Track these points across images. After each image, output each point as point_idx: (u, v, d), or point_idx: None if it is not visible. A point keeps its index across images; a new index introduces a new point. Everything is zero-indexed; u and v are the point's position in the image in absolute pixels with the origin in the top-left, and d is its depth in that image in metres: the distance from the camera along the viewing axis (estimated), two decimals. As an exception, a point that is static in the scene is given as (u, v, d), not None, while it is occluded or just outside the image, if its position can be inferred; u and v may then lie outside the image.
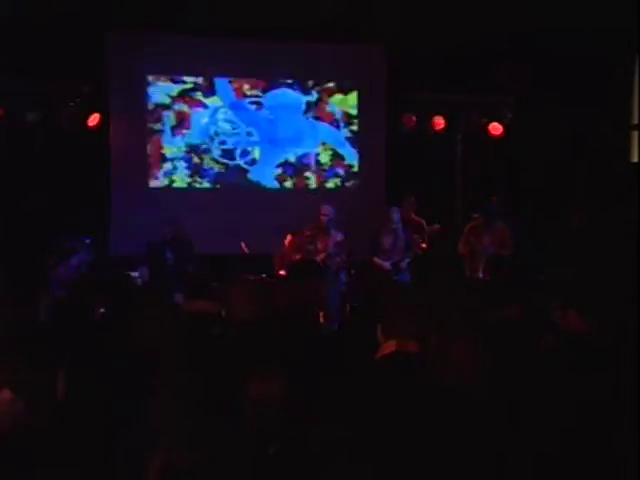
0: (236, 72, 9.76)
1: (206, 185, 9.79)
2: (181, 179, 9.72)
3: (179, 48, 9.44)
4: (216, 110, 9.75)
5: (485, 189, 9.29)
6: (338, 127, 10.10)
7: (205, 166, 9.77)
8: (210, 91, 9.73)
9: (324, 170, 10.09)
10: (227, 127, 9.80)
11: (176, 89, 9.62)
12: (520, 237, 8.35)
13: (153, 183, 9.66)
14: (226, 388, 2.77)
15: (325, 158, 10.09)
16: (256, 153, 9.90)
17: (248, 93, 9.84)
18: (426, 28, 9.10)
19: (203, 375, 2.89)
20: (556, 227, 8.94)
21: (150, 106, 9.57)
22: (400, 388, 2.89)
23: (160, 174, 9.67)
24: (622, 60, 9.51)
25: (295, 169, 10.02)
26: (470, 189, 9.91)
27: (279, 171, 9.97)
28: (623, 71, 9.59)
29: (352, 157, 10.15)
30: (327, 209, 8.07)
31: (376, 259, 8.18)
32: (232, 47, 9.59)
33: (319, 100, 10.02)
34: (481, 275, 7.88)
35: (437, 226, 8.83)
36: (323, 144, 10.06)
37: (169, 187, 9.67)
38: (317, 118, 10.02)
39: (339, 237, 8.01)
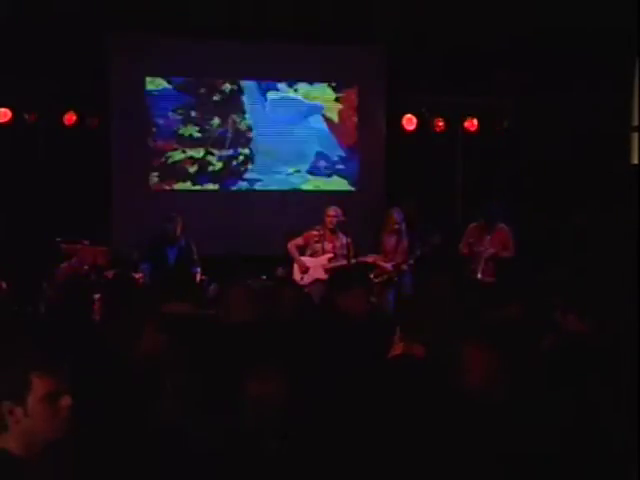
0: (236, 73, 9.75)
1: (207, 186, 9.78)
2: (182, 180, 9.71)
3: (179, 49, 9.43)
4: (218, 110, 9.75)
5: (485, 189, 9.29)
6: (337, 127, 10.10)
7: (205, 166, 9.77)
8: (211, 91, 9.74)
9: (324, 171, 10.09)
10: (227, 128, 9.81)
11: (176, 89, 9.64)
12: (520, 237, 8.35)
13: (153, 184, 9.65)
14: (224, 389, 2.77)
15: (325, 160, 10.09)
16: (256, 153, 9.89)
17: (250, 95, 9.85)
18: (426, 29, 9.11)
19: (202, 376, 2.89)
20: (556, 227, 8.95)
21: (150, 106, 9.57)
22: (402, 391, 2.89)
23: (161, 175, 9.66)
24: (622, 61, 9.51)
25: (295, 170, 10.02)
26: (470, 189, 9.91)
27: (280, 173, 9.97)
28: (623, 72, 9.59)
29: (352, 157, 10.14)
30: (334, 210, 8.08)
31: (379, 262, 8.17)
32: (232, 48, 9.58)
33: (319, 102, 10.03)
34: (480, 276, 7.87)
35: (438, 239, 8.64)
36: (323, 144, 10.07)
37: (169, 188, 9.66)
38: (316, 120, 10.03)
39: (345, 239, 8.01)
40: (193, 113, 9.68)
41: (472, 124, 9.87)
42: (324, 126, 10.04)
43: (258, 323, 3.90)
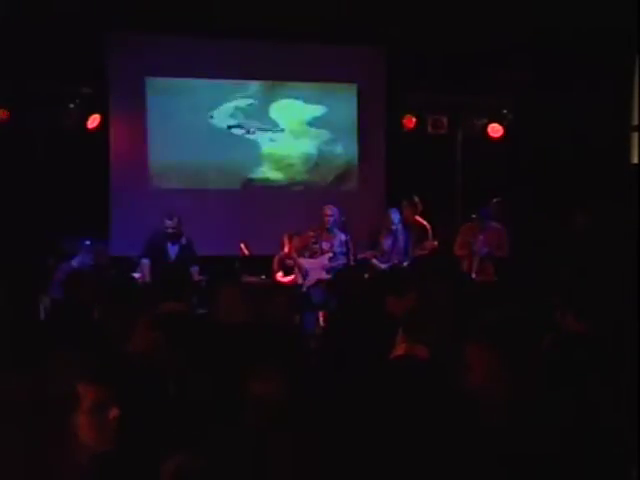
0: (236, 73, 9.75)
1: (207, 186, 9.78)
2: (182, 180, 9.70)
3: (179, 49, 9.44)
4: (217, 110, 9.75)
5: (485, 190, 9.29)
6: (338, 127, 10.10)
7: (206, 167, 9.77)
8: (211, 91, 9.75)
9: (324, 172, 10.09)
10: (227, 128, 9.80)
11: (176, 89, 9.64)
12: (520, 237, 8.35)
13: (153, 184, 9.65)
14: (224, 389, 2.76)
15: (324, 160, 10.09)
16: (257, 153, 9.89)
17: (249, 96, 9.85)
18: (426, 29, 9.10)
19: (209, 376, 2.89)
20: (556, 228, 8.94)
21: (150, 106, 9.57)
22: (403, 392, 2.89)
23: (160, 175, 9.66)
24: (622, 61, 9.50)
25: (295, 171, 10.02)
26: (470, 190, 9.90)
27: (280, 172, 9.97)
28: (623, 71, 9.58)
29: (351, 158, 10.14)
30: (331, 209, 8.08)
31: (374, 261, 8.17)
32: (232, 48, 9.58)
33: (319, 102, 10.03)
34: (474, 275, 7.88)
35: (435, 243, 8.56)
36: (322, 144, 10.07)
37: (169, 188, 9.66)
38: (317, 120, 10.03)
39: (343, 237, 8.00)
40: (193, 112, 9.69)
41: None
42: (324, 126, 10.04)
43: (252, 323, 3.89)
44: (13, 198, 8.86)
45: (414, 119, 9.86)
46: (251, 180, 9.92)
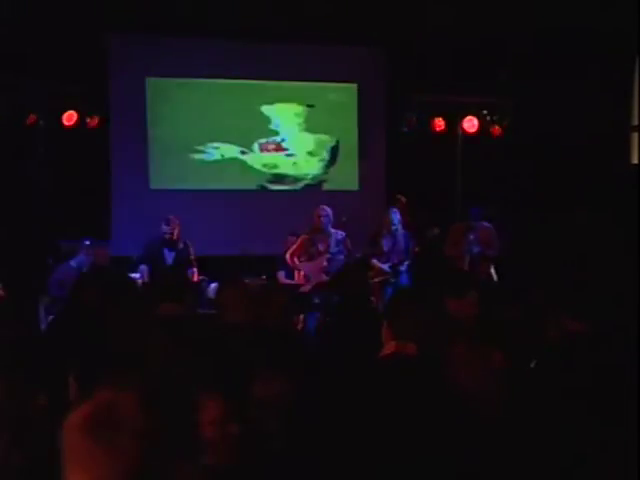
0: (236, 73, 9.75)
1: (206, 186, 9.78)
2: (182, 180, 9.71)
3: (179, 49, 9.44)
4: (217, 110, 9.75)
5: (485, 190, 9.29)
6: (338, 127, 10.11)
7: (206, 167, 9.77)
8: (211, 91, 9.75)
9: (324, 172, 10.09)
10: (226, 128, 9.81)
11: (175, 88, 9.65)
12: (520, 237, 8.35)
13: (153, 184, 9.65)
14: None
15: (324, 160, 10.09)
16: (257, 154, 9.90)
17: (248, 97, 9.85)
18: (426, 29, 9.10)
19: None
20: (556, 227, 8.94)
21: (150, 106, 9.57)
22: (394, 390, 2.89)
23: (160, 175, 9.66)
24: (622, 60, 9.50)
25: (295, 171, 10.03)
26: (470, 190, 9.90)
27: (280, 173, 9.97)
28: (623, 71, 9.58)
29: (352, 158, 10.14)
30: (323, 210, 8.04)
31: (374, 261, 8.15)
32: (232, 48, 9.59)
33: (319, 102, 10.03)
34: None
35: (437, 230, 8.66)
36: (322, 144, 10.08)
37: (170, 188, 9.66)
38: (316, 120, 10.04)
39: (339, 235, 7.98)
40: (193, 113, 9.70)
41: (472, 125, 9.85)
42: (324, 126, 10.05)
43: (252, 324, 3.88)
44: (13, 198, 8.86)
45: (414, 119, 9.86)
46: (251, 180, 9.92)
